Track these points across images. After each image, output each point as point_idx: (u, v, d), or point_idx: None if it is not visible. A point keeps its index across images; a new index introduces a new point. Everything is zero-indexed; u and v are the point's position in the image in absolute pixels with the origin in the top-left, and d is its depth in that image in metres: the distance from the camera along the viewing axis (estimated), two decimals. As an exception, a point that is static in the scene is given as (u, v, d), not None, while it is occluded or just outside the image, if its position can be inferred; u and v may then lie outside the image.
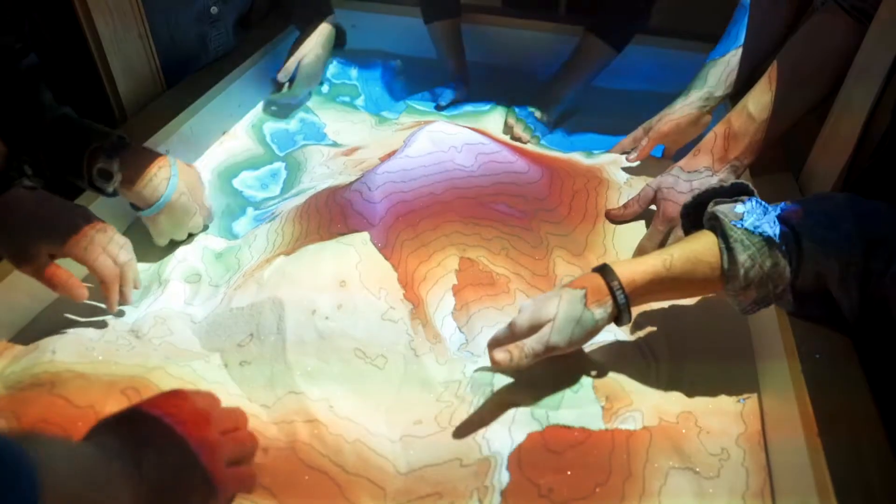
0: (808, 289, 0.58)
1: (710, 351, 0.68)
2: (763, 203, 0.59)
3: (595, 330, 0.60)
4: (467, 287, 0.76)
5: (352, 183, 0.85)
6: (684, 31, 1.20)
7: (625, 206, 0.87)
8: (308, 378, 0.64)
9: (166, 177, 0.79)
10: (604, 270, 0.60)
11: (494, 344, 0.61)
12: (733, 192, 0.62)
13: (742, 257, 0.56)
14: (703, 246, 0.59)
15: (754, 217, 0.58)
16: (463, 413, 0.62)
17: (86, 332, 0.70)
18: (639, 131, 1.00)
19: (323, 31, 1.16)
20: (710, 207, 0.61)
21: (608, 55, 1.12)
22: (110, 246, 0.70)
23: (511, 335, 0.60)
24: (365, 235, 0.76)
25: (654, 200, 0.84)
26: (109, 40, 0.86)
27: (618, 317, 0.60)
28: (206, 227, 0.87)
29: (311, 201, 0.86)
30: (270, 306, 0.68)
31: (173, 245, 0.84)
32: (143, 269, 0.81)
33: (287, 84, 1.14)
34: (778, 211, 0.59)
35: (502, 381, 0.64)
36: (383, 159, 0.91)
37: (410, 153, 0.87)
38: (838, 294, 0.57)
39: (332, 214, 0.81)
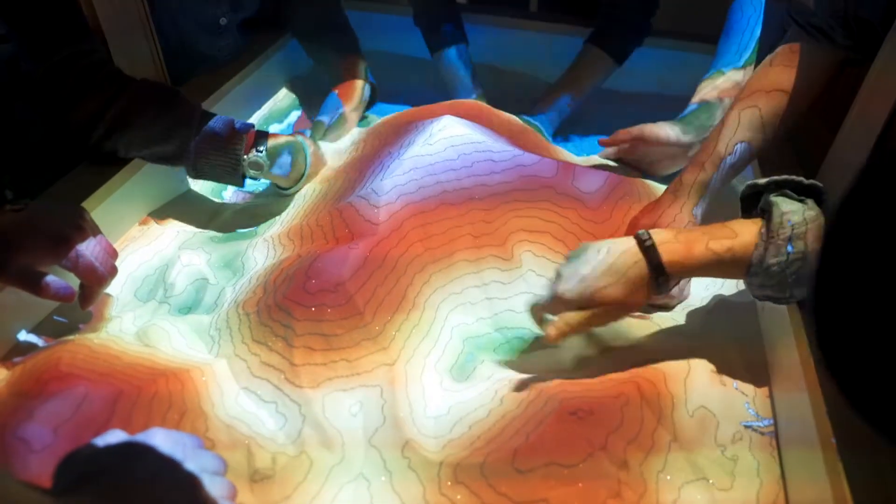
0: None
1: (724, 369, 0.67)
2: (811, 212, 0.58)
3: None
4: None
5: (359, 189, 0.84)
6: (694, 34, 1.20)
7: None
8: (317, 387, 0.63)
9: (302, 158, 0.91)
10: (651, 256, 0.61)
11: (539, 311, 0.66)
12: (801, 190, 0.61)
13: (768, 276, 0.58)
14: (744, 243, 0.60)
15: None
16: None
17: (88, 340, 0.68)
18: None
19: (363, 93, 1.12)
20: (773, 197, 0.60)
21: (609, 67, 1.12)
22: (98, 252, 0.68)
23: (559, 303, 0.63)
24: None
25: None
26: (114, 38, 0.85)
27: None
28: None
29: (319, 207, 0.85)
30: (278, 313, 0.68)
31: (181, 246, 0.85)
32: (148, 273, 0.81)
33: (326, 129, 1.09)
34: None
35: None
36: (384, 151, 0.90)
37: (419, 153, 0.85)
38: None
39: (338, 221, 0.80)
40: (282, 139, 0.89)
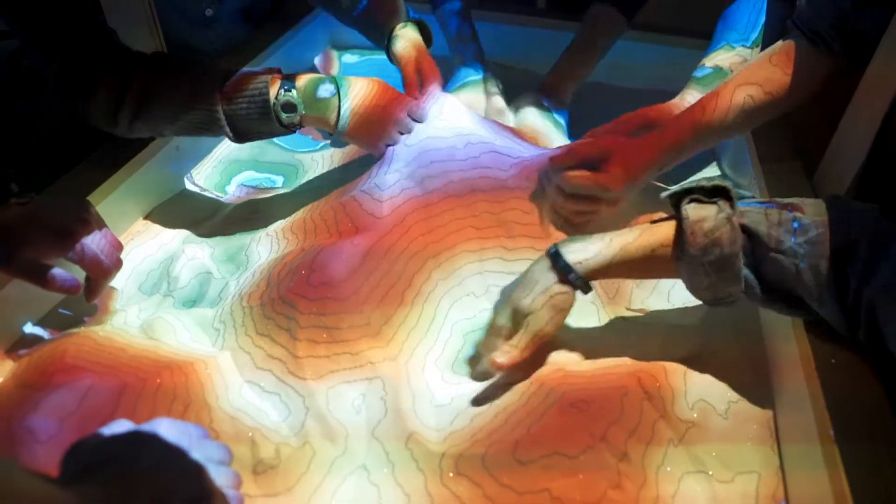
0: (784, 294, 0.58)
1: (723, 363, 0.68)
2: (731, 208, 0.58)
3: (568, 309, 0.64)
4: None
5: (362, 183, 0.84)
6: (692, 30, 1.20)
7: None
8: (320, 379, 0.64)
9: (334, 90, 0.81)
10: (558, 261, 0.63)
11: (487, 349, 0.66)
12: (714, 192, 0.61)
13: (696, 280, 0.60)
14: (660, 243, 0.61)
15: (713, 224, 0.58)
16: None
17: (93, 333, 0.69)
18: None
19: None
20: (684, 205, 0.60)
21: (619, 24, 1.07)
22: (103, 245, 0.69)
23: (496, 333, 0.65)
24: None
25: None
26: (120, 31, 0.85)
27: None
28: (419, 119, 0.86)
29: (322, 202, 0.85)
30: (282, 306, 0.68)
31: (185, 240, 0.84)
32: (153, 267, 0.81)
33: None
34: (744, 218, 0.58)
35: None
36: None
37: (424, 147, 0.84)
38: (814, 307, 0.56)
39: (341, 215, 0.80)
40: (314, 74, 0.82)
